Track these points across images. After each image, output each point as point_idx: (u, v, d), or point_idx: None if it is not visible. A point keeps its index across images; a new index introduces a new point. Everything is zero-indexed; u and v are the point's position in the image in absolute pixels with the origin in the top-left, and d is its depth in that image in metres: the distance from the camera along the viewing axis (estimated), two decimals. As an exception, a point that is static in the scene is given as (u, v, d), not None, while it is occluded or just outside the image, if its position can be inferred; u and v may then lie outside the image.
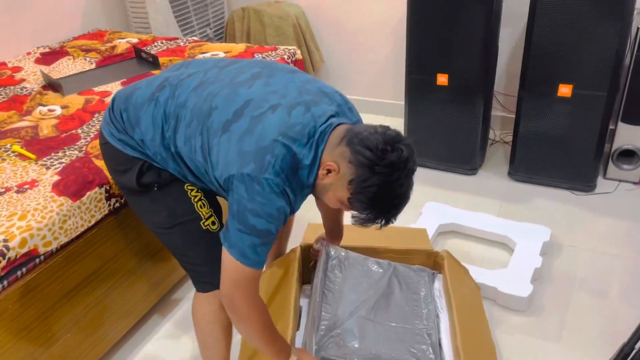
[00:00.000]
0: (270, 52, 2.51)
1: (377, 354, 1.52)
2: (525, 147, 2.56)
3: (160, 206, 1.39)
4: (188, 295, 2.07)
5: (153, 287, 1.88)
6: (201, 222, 1.39)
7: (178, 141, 1.29)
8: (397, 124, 3.23)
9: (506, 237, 2.21)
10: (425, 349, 1.54)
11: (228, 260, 1.20)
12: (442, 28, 2.45)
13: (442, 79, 2.56)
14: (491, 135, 2.98)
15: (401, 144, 1.18)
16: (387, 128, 1.21)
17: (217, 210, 1.45)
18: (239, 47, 2.61)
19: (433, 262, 1.81)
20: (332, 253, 1.76)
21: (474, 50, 2.45)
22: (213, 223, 1.41)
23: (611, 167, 2.58)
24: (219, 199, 1.47)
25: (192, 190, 1.39)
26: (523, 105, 2.47)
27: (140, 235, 1.77)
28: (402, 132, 2.79)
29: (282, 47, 2.56)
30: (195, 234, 1.40)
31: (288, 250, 1.87)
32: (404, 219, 2.39)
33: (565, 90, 2.34)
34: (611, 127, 2.45)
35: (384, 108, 3.40)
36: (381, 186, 1.17)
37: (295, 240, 1.92)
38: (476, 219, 2.31)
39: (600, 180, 2.58)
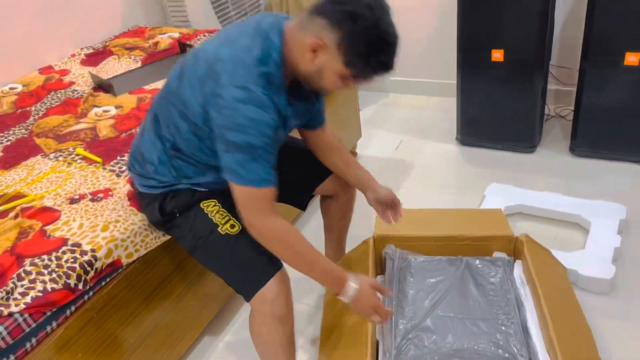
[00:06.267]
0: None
1: (458, 349, 1.47)
2: (588, 121, 2.44)
3: (185, 230, 1.41)
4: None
5: (220, 290, 1.84)
6: (219, 229, 1.35)
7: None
8: (449, 103, 3.14)
9: (579, 217, 2.11)
10: (509, 338, 1.48)
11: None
12: (496, 1, 2.33)
13: (497, 55, 2.45)
14: (545, 110, 2.86)
15: None
16: None
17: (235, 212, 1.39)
18: (284, 34, 2.53)
19: (514, 247, 1.73)
20: (401, 257, 1.72)
21: (530, 23, 2.33)
22: (232, 226, 1.35)
23: (680, 136, 2.45)
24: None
25: (207, 206, 1.38)
26: (586, 77, 2.35)
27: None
28: (455, 111, 2.71)
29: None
30: (217, 243, 1.35)
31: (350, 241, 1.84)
32: (469, 202, 2.34)
33: (632, 58, 2.22)
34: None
35: (432, 88, 3.30)
36: (369, 28, 1.14)
37: (361, 229, 1.87)
38: (544, 199, 2.22)
39: (669, 151, 2.45)
